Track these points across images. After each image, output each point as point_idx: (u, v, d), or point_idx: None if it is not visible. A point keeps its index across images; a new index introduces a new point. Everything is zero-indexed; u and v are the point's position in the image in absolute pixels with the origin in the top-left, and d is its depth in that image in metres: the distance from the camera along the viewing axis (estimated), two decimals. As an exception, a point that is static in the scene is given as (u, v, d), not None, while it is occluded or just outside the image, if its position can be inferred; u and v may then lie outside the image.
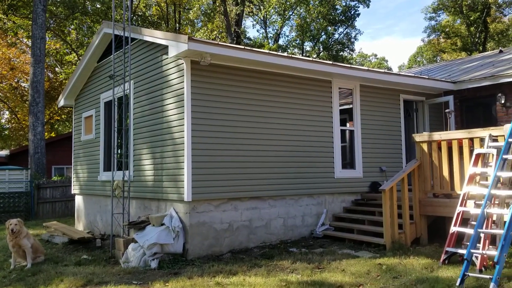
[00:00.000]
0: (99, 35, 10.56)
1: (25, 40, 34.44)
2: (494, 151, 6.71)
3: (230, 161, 8.18)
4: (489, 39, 40.86)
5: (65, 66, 34.32)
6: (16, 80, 34.46)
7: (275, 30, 45.17)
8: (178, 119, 7.99)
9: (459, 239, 6.83)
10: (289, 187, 8.93)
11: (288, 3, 43.11)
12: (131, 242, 7.77)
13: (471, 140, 7.50)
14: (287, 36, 55.09)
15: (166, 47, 8.29)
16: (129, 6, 9.44)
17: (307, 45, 45.23)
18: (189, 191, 7.65)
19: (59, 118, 37.63)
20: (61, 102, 12.74)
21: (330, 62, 9.22)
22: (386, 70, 10.52)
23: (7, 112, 39.95)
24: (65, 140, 24.21)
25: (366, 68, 9.90)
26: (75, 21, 28.94)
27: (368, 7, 45.82)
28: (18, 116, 36.59)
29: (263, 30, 45.63)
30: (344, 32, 46.35)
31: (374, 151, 10.28)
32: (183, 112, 7.82)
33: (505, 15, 37.41)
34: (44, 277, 6.80)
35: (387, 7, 76.75)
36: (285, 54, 8.46)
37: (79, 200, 12.39)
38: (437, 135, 8.00)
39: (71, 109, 36.91)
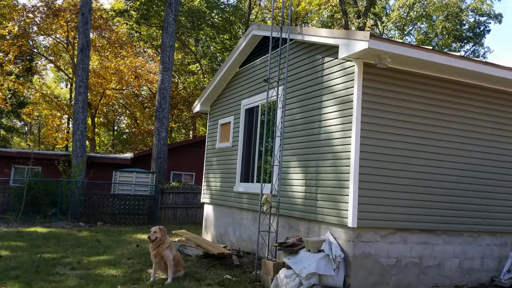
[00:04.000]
0: (246, 38, 9.92)
1: (148, 50, 36.38)
2: None
3: (400, 183, 6.86)
4: None
5: (183, 77, 35.52)
6: (138, 88, 36.42)
7: (393, 45, 42.79)
8: (342, 130, 6.88)
9: None
10: (467, 221, 7.34)
11: (409, 18, 40.79)
12: (282, 267, 6.76)
13: None
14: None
15: (329, 48, 7.30)
16: (290, 4, 8.58)
17: (428, 62, 42.16)
18: (354, 215, 6.45)
19: (174, 125, 39.10)
20: (197, 107, 12.40)
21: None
22: None
23: (126, 118, 42.50)
24: (183, 147, 24.61)
25: None
26: (200, 32, 29.65)
27: (500, 23, 41.78)
28: (138, 121, 38.61)
29: (380, 45, 43.48)
30: (471, 49, 42.71)
31: None
32: (351, 122, 6.69)
33: None
34: (189, 298, 6.03)
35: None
36: (480, 59, 6.98)
37: (208, 209, 11.84)
38: None
39: (185, 117, 38.28)
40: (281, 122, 7.98)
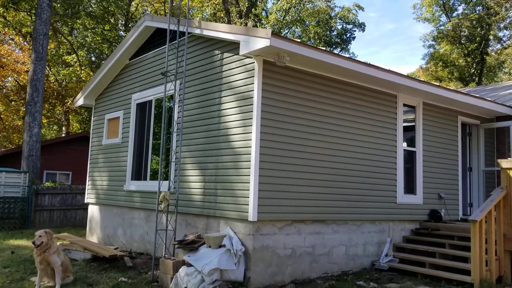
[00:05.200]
0: (138, 29, 9.49)
1: (15, 38, 32.81)
2: None
3: (296, 177, 7.18)
4: (486, 71, 41.16)
5: (54, 68, 32.71)
6: (2, 79, 32.69)
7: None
8: (242, 125, 6.96)
9: None
10: (352, 210, 7.95)
11: (284, 21, 42.81)
12: (182, 265, 6.63)
13: None
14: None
15: (229, 44, 7.34)
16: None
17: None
18: (254, 209, 6.58)
19: (45, 121, 35.91)
20: (80, 101, 11.54)
21: (407, 75, 8.37)
22: (453, 88, 9.82)
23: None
24: (58, 145, 22.83)
25: (437, 84, 9.11)
26: (77, 21, 27.60)
27: (363, 31, 46.03)
28: (2, 116, 34.70)
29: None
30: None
31: (433, 175, 9.43)
32: (251, 118, 6.80)
33: (505, 48, 37.63)
34: (84, 305, 5.61)
35: (372, 35, 78.03)
36: (364, 61, 7.58)
37: (94, 210, 11.09)
38: (532, 162, 7.20)
39: (59, 111, 35.29)
40: (180, 117, 7.81)
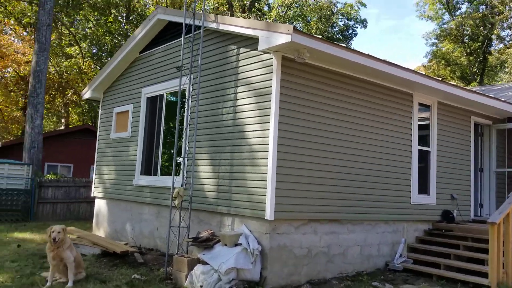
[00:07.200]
0: (150, 22, 9.33)
1: (15, 28, 32.44)
2: None
3: (312, 175, 7.06)
4: (487, 70, 41.07)
5: (54, 60, 32.38)
6: (2, 69, 32.35)
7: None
8: (259, 122, 6.84)
9: None
10: (367, 210, 7.85)
11: (286, 16, 42.56)
12: (197, 263, 6.52)
13: None
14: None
15: (246, 39, 7.20)
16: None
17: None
18: (272, 207, 6.47)
19: (45, 112, 35.60)
20: (87, 94, 11.38)
21: (428, 75, 8.25)
22: (468, 87, 9.75)
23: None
24: (60, 137, 22.67)
25: (453, 83, 9.01)
26: (81, 12, 27.30)
27: (365, 28, 45.91)
28: (1, 107, 34.39)
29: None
30: (342, 51, 45.88)
31: (446, 175, 9.34)
32: (269, 115, 6.68)
33: (508, 48, 37.54)
34: (99, 303, 5.49)
35: (372, 32, 78.07)
36: (383, 59, 7.44)
37: (101, 204, 10.96)
38: (551, 165, 7.12)
39: (59, 103, 34.94)
40: (194, 112, 7.68)
